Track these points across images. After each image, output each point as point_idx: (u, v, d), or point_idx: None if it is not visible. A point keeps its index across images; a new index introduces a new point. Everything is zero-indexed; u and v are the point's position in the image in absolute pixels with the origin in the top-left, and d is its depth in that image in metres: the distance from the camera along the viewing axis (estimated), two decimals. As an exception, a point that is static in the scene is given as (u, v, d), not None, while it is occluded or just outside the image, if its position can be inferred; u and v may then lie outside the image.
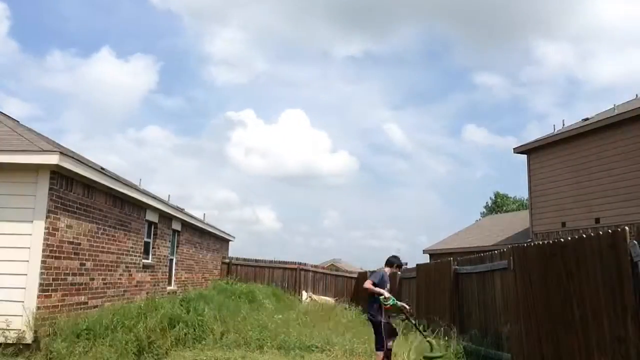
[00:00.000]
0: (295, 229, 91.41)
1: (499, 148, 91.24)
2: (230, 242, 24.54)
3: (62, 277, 8.52)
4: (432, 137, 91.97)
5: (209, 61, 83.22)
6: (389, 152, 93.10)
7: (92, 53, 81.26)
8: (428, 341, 8.33)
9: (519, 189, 65.69)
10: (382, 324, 7.73)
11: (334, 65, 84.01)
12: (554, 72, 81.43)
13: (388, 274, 8.30)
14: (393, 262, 8.52)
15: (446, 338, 9.75)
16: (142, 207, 12.31)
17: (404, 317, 8.55)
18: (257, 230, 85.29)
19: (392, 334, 8.03)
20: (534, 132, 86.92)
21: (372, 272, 8.77)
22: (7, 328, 7.65)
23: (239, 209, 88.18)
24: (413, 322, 8.65)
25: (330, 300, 21.18)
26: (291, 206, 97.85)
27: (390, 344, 7.86)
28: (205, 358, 8.25)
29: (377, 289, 7.80)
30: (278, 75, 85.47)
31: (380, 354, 7.69)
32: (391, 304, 7.80)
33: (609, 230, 4.95)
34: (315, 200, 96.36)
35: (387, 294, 7.81)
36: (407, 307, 8.35)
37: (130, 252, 11.59)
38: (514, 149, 19.37)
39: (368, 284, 7.91)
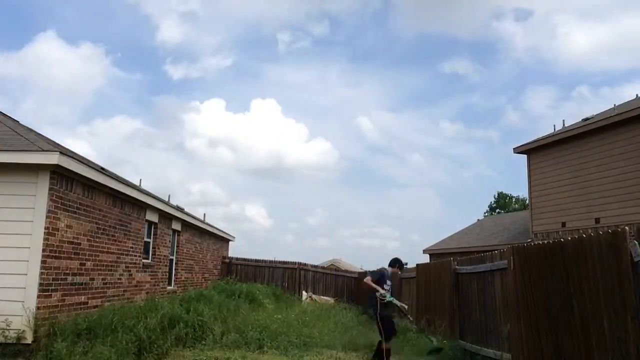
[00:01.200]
0: (286, 227, 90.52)
1: (493, 147, 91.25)
2: (230, 242, 24.58)
3: (62, 277, 8.52)
4: (425, 138, 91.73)
5: (168, 47, 79.39)
6: (382, 150, 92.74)
7: (39, 37, 75.88)
8: (427, 337, 9.38)
9: (520, 189, 65.57)
10: (382, 317, 8.51)
11: (285, 53, 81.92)
12: (520, 51, 79.68)
13: (390, 273, 9.13)
14: (395, 262, 9.33)
15: (444, 340, 9.76)
16: (142, 207, 12.31)
17: (402, 314, 9.21)
18: (247, 228, 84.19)
19: (393, 332, 8.71)
20: (518, 124, 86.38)
21: (372, 271, 9.67)
22: (7, 328, 7.64)
23: (224, 206, 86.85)
24: (411, 319, 9.75)
25: (330, 300, 21.19)
26: (278, 202, 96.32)
27: (389, 343, 8.49)
28: (205, 358, 8.26)
29: (375, 285, 8.65)
30: (245, 65, 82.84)
31: (383, 344, 8.46)
32: (387, 300, 8.56)
33: (609, 230, 4.95)
34: (303, 197, 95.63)
35: (382, 291, 8.65)
36: (405, 306, 9.41)
37: (130, 252, 11.59)
38: (514, 148, 19.36)
39: (368, 280, 8.80)
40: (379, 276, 8.87)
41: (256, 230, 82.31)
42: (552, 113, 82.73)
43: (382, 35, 79.33)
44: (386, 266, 9.27)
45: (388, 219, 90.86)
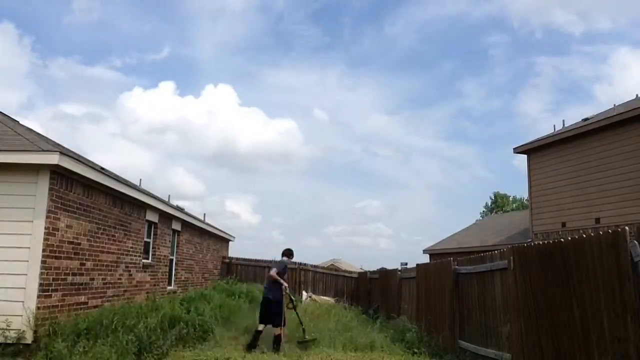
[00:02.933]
0: (272, 224, 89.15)
1: (488, 149, 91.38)
2: (230, 242, 24.57)
3: (62, 277, 8.52)
4: (419, 140, 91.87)
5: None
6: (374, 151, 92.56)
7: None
8: (303, 328, 10.26)
9: (515, 191, 65.54)
10: (282, 307, 9.67)
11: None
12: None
13: (287, 263, 10.48)
14: (289, 253, 10.69)
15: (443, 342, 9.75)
16: (142, 207, 12.31)
17: (291, 306, 10.36)
18: (230, 224, 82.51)
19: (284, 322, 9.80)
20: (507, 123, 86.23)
21: (277, 262, 10.68)
22: (7, 328, 7.64)
23: (199, 200, 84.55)
24: (296, 311, 10.53)
25: (330, 300, 21.18)
26: (261, 198, 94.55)
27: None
28: (205, 358, 8.25)
29: (282, 280, 9.80)
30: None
31: (279, 329, 9.44)
32: (288, 293, 10.05)
33: (609, 230, 4.95)
34: (286, 191, 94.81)
35: (285, 284, 9.88)
36: (293, 298, 10.60)
37: (130, 252, 11.58)
38: (514, 148, 19.36)
39: (274, 273, 9.80)
40: (283, 268, 10.12)
41: (242, 228, 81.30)
42: (549, 115, 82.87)
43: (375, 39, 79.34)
44: (283, 258, 10.57)
45: (382, 218, 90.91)
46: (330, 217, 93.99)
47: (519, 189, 62.01)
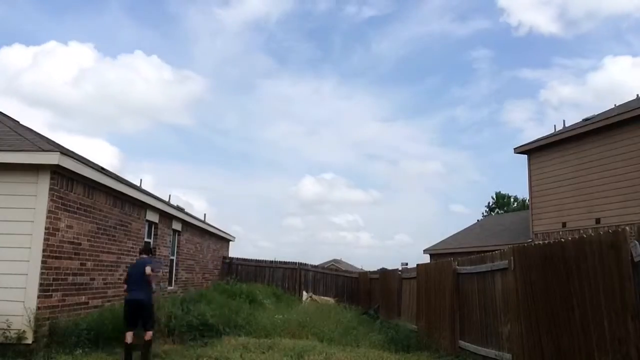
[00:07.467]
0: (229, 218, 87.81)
1: (482, 153, 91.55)
2: (230, 242, 24.58)
3: (63, 277, 8.52)
4: (414, 146, 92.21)
5: None
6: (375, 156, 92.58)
7: None
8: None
9: (513, 191, 65.35)
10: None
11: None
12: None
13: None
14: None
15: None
16: (143, 207, 12.31)
17: None
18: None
19: None
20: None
21: (156, 260, 9.63)
22: (8, 328, 7.64)
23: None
24: None
25: (330, 300, 21.18)
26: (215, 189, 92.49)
27: None
28: (205, 358, 8.25)
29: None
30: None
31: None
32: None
33: (610, 230, 4.95)
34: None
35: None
36: None
37: (131, 252, 11.58)
38: (514, 149, 19.34)
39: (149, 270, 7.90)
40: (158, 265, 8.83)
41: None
42: (534, 124, 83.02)
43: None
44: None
45: (368, 219, 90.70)
46: (280, 205, 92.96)
47: (519, 190, 61.91)
